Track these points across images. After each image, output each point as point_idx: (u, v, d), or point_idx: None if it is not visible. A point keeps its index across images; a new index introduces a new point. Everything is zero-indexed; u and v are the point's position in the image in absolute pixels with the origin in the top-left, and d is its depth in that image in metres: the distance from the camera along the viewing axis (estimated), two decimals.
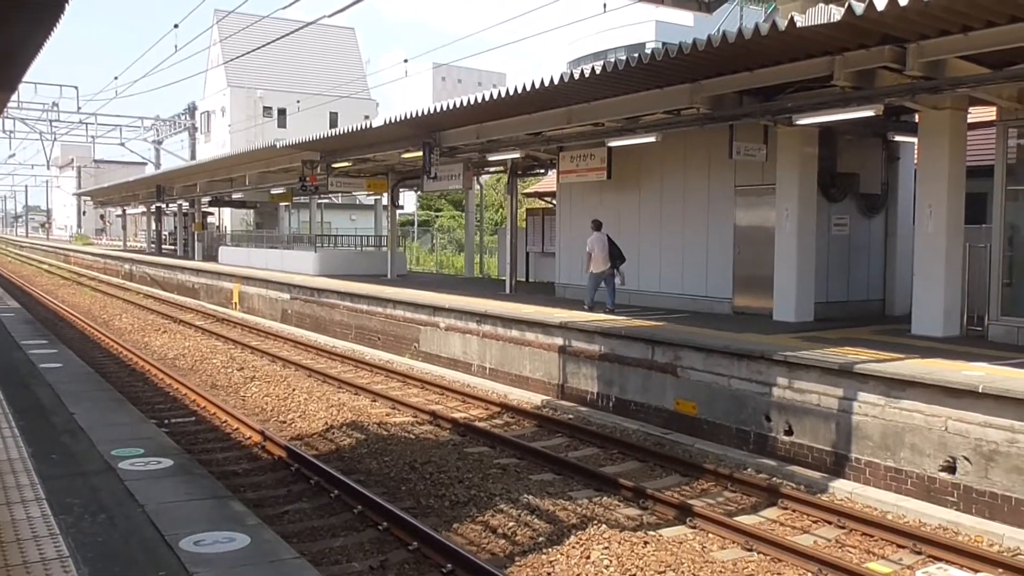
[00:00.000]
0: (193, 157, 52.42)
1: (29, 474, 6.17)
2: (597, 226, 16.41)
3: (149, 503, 5.50)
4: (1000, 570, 7.27)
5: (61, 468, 6.41)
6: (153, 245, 49.21)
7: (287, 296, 24.84)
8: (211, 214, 45.47)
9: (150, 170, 53.70)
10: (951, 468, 8.87)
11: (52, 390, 9.62)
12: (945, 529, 8.40)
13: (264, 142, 35.55)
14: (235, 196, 37.73)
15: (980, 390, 8.65)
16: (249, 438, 11.43)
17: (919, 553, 7.78)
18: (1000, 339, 12.01)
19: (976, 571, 7.30)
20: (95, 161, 68.95)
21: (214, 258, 37.52)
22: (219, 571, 4.55)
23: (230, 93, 57.02)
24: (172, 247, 49.06)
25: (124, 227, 62.03)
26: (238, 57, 30.68)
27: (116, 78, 49.07)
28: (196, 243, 40.90)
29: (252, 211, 45.07)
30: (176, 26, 20.33)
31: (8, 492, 5.72)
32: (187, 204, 44.11)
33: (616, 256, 16.23)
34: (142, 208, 54.25)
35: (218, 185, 35.95)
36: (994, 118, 12.38)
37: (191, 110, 55.80)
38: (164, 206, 45.78)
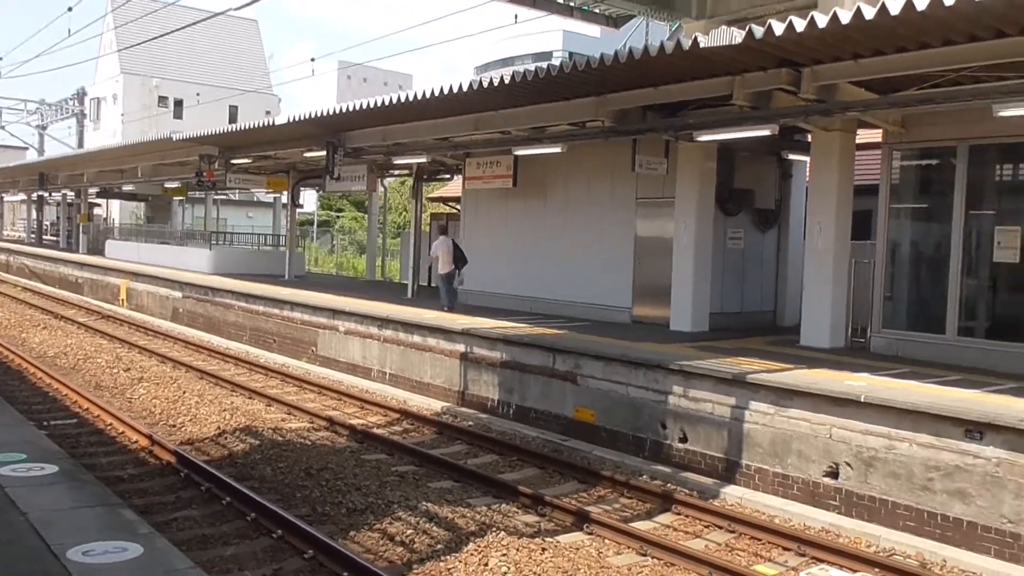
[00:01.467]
0: (81, 145, 50.26)
1: None
2: (442, 230, 17.79)
3: (32, 511, 5.18)
4: (876, 570, 7.65)
5: None
6: (33, 235, 46.89)
7: (179, 294, 24.06)
8: (98, 205, 43.70)
9: (32, 156, 51.15)
10: (834, 474, 9.28)
11: None
12: (828, 532, 8.78)
13: (159, 133, 34.35)
14: (126, 188, 36.29)
15: (862, 399, 9.09)
16: (136, 442, 10.99)
17: (803, 555, 8.12)
18: (881, 350, 12.62)
19: (855, 571, 7.65)
20: None
21: (100, 252, 36.00)
22: None
23: (123, 80, 54.95)
24: (54, 238, 46.85)
25: (1, 215, 58.86)
26: (135, 45, 29.58)
27: (0, 58, 46.73)
28: (81, 235, 39.18)
29: (143, 204, 43.47)
30: (70, 9, 19.51)
31: None
32: (72, 194, 42.20)
33: (459, 259, 17.37)
34: (22, 196, 51.62)
35: (108, 176, 34.49)
36: (880, 140, 13.03)
37: (80, 95, 53.45)
38: (47, 195, 43.67)
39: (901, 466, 8.70)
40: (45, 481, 5.86)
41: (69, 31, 20.45)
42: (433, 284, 24.05)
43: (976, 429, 8.26)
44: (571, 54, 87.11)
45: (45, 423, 11.59)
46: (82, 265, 32.00)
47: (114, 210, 47.98)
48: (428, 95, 13.44)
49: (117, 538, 4.82)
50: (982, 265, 11.98)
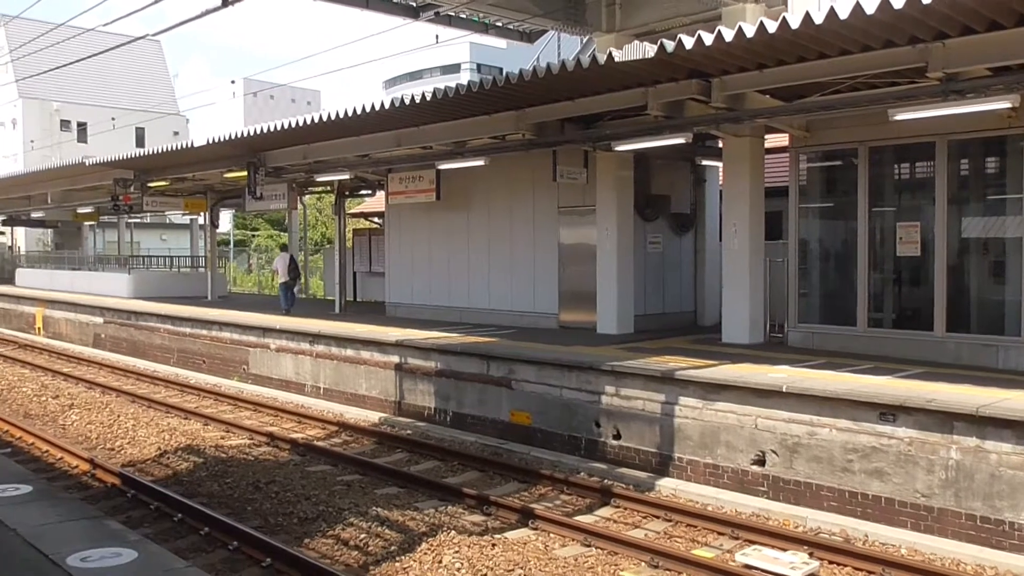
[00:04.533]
0: None
1: None
2: (283, 248, 22.20)
3: (21, 526, 5.28)
4: (805, 547, 8.17)
5: None
6: None
7: (100, 320, 23.56)
8: (2, 233, 42.19)
9: None
10: (761, 461, 9.82)
11: None
12: (758, 516, 9.29)
13: (62, 158, 33.46)
14: (34, 215, 35.21)
15: (784, 390, 9.66)
16: (76, 467, 10.91)
17: (737, 538, 8.61)
18: (798, 344, 13.29)
19: (785, 550, 8.17)
20: None
21: (7, 280, 34.85)
22: None
23: (22, 104, 53.11)
24: None
25: None
26: (37, 75, 28.77)
27: None
28: None
29: (50, 231, 42.17)
30: None
31: None
32: None
33: (293, 270, 21.85)
34: None
35: (14, 203, 33.44)
36: (787, 144, 13.74)
37: None
38: None
39: (823, 450, 9.27)
40: (23, 500, 5.95)
41: None
42: (359, 299, 24.40)
43: (889, 412, 8.87)
44: (479, 66, 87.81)
45: None
46: None
47: (19, 238, 46.35)
48: (349, 113, 13.63)
49: (110, 545, 4.98)
50: (887, 259, 12.73)
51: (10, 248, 43.69)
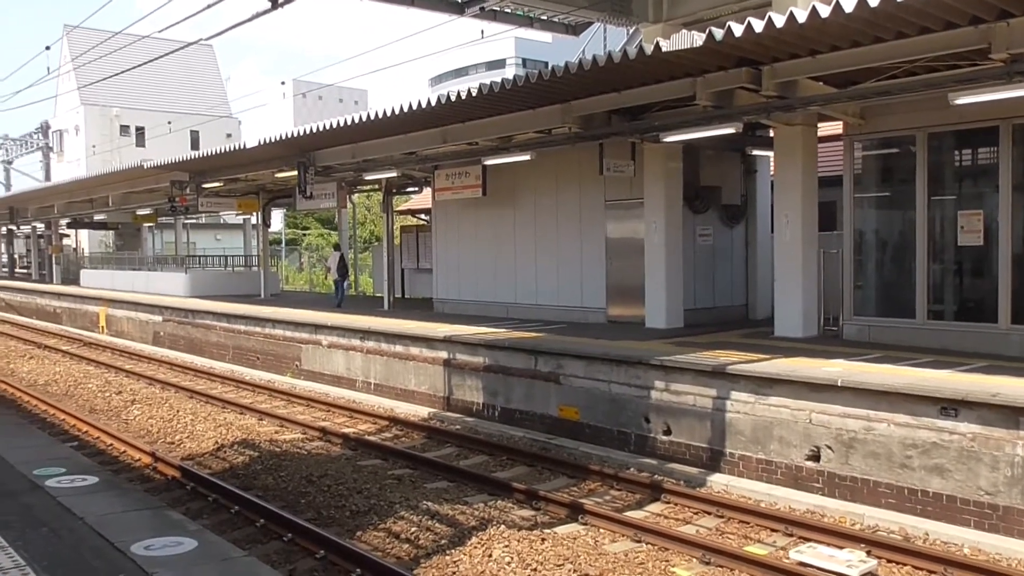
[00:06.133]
0: (48, 177, 49.87)
1: None
2: (336, 247, 26.09)
3: (88, 516, 5.62)
4: (862, 545, 7.98)
5: None
6: (4, 269, 46.49)
7: (159, 318, 24.09)
8: (67, 236, 43.42)
9: None
10: (816, 457, 9.62)
11: None
12: (813, 512, 9.09)
13: (122, 162, 34.25)
14: (96, 217, 36.19)
15: (839, 384, 9.44)
16: (139, 460, 11.19)
17: (791, 535, 8.44)
18: (853, 337, 13.01)
19: (842, 547, 7.98)
20: None
21: (73, 281, 35.87)
22: (176, 571, 4.73)
23: (84, 111, 54.53)
24: (25, 270, 46.48)
25: None
26: (97, 82, 29.50)
27: None
28: (54, 266, 39.00)
29: (112, 232, 43.30)
30: (48, 48, 19.61)
31: None
32: (42, 226, 41.95)
33: (342, 268, 23.62)
34: None
35: (78, 206, 34.36)
36: (841, 132, 13.45)
37: (44, 129, 53.05)
38: (16, 228, 43.38)
39: (880, 446, 9.05)
40: (90, 490, 6.29)
41: (48, 69, 20.69)
42: (407, 295, 24.76)
43: (951, 407, 8.61)
44: (524, 60, 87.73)
45: None
46: (59, 295, 31.94)
47: (83, 240, 47.66)
48: (396, 111, 13.67)
49: (172, 534, 5.21)
50: (947, 249, 12.36)
51: (75, 250, 44.92)
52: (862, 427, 9.23)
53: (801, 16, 8.64)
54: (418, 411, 14.42)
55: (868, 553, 7.81)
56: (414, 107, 13.30)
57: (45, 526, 5.44)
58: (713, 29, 9.35)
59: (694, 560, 7.82)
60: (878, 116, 12.61)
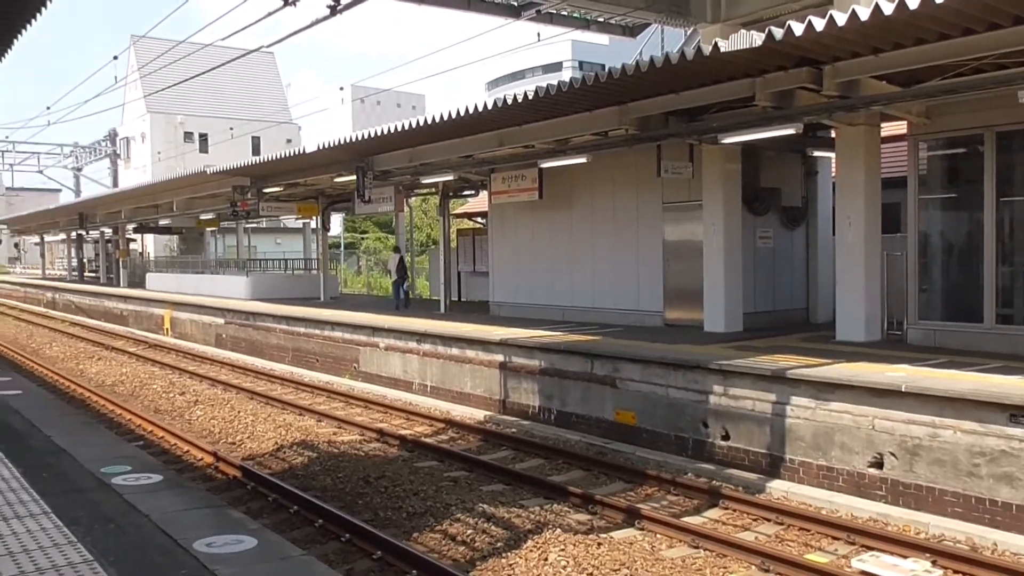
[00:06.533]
0: (115, 183, 51.37)
1: (27, 491, 6.33)
2: (395, 249, 26.47)
3: (153, 513, 5.80)
4: (927, 554, 7.78)
5: (56, 485, 6.57)
6: (74, 273, 48.00)
7: (222, 321, 24.60)
8: (133, 240, 44.65)
9: (65, 197, 52.36)
10: (879, 464, 9.41)
11: (20, 416, 9.53)
12: (875, 521, 8.90)
13: (185, 167, 35.08)
14: (161, 222, 37.17)
15: (903, 389, 9.22)
16: (201, 459, 11.45)
17: (852, 543, 8.27)
18: (918, 342, 12.69)
19: (906, 557, 7.79)
20: (8, 189, 66.89)
21: (138, 284, 36.85)
22: (236, 568, 4.84)
23: (150, 119, 56.06)
24: (93, 274, 47.90)
25: (43, 255, 60.28)
26: (161, 90, 30.28)
27: (49, 108, 48.39)
28: (121, 270, 40.14)
29: (176, 237, 44.40)
30: (115, 57, 20.20)
31: (14, 507, 5.91)
32: (110, 231, 43.19)
33: (401, 270, 23.90)
34: (62, 236, 52.89)
35: (144, 211, 35.36)
36: (905, 132, 13.14)
37: (112, 136, 54.64)
38: (85, 233, 44.77)
39: (946, 453, 8.81)
40: (154, 488, 6.49)
41: (116, 78, 21.45)
42: (463, 298, 24.91)
43: (1021, 414, 8.34)
44: (581, 63, 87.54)
45: None
46: (126, 298, 32.84)
47: (149, 244, 48.98)
48: (453, 115, 13.77)
49: (232, 532, 5.35)
50: (1017, 252, 11.98)
51: (141, 254, 46.14)
52: (927, 434, 9.00)
53: (864, 14, 8.46)
54: (474, 414, 14.48)
55: (933, 563, 7.62)
56: (471, 111, 13.38)
57: (112, 522, 5.61)
58: (773, 28, 9.23)
59: (753, 567, 7.71)
60: (944, 115, 12.29)
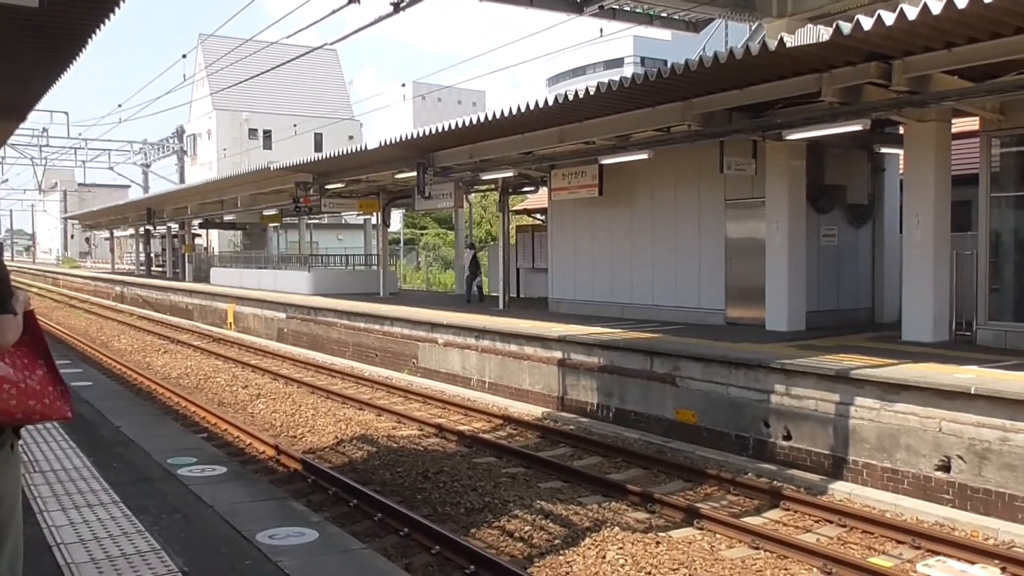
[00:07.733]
0: (182, 180, 52.62)
1: (98, 480, 6.57)
2: (471, 246, 26.35)
3: (217, 504, 5.95)
4: (996, 561, 7.57)
5: (125, 475, 6.80)
6: (142, 267, 49.35)
7: (283, 315, 25.04)
8: (199, 235, 45.69)
9: (133, 192, 53.90)
10: (946, 467, 9.19)
11: (91, 406, 9.84)
12: (942, 525, 8.69)
13: (249, 164, 35.76)
14: (226, 218, 38.03)
15: (972, 391, 8.99)
16: (263, 452, 11.67)
17: (918, 548, 8.08)
18: (988, 343, 12.37)
19: (973, 563, 7.60)
20: (80, 185, 69.02)
21: (203, 279, 37.67)
22: (298, 560, 4.93)
23: (216, 116, 57.30)
24: (160, 269, 49.15)
25: (112, 250, 62.07)
26: (228, 88, 30.89)
27: (120, 106, 50.09)
28: (186, 265, 41.09)
29: (240, 232, 45.30)
30: (184, 56, 20.66)
31: (85, 496, 6.14)
32: (176, 226, 44.28)
33: (474, 265, 24.92)
34: (130, 231, 54.41)
35: (209, 207, 36.14)
36: (977, 128, 12.79)
37: (179, 133, 56.02)
38: (153, 228, 45.97)
39: (1017, 458, 8.56)
40: (219, 480, 6.66)
41: (184, 76, 22.02)
42: (522, 295, 24.98)
43: None
44: (643, 59, 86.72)
45: None
46: (191, 292, 33.61)
47: (213, 239, 50.08)
48: (514, 112, 13.80)
49: (295, 525, 5.48)
50: None
51: (206, 249, 47.19)
52: (997, 437, 8.76)
53: (936, 7, 8.27)
54: (532, 410, 14.50)
55: (1003, 570, 7.42)
56: (531, 107, 13.40)
57: (178, 512, 5.77)
58: (840, 23, 9.07)
59: (815, 569, 7.59)
60: (1019, 111, 11.95)
